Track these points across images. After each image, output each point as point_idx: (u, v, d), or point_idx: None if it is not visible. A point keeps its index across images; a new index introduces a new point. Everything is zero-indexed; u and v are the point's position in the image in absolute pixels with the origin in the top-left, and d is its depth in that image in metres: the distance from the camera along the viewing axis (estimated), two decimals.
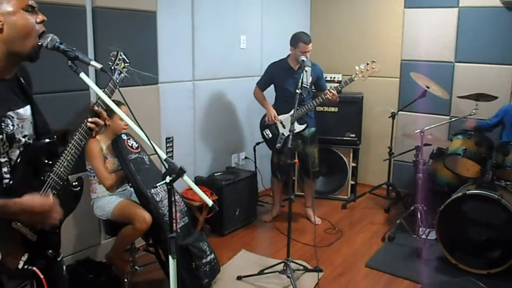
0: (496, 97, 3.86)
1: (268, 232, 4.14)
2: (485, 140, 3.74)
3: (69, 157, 1.61)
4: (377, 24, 5.09)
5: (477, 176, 3.67)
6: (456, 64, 4.64)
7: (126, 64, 1.87)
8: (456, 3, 4.53)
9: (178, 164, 1.58)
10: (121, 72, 1.84)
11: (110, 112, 2.81)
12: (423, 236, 3.64)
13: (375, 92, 5.08)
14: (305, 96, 3.82)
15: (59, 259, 1.71)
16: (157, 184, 1.71)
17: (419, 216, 3.74)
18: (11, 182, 1.48)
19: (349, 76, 3.83)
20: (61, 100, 2.91)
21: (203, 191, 1.70)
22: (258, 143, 4.56)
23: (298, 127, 3.91)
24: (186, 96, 4.01)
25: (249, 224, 4.24)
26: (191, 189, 1.63)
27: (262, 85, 4.13)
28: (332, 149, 4.84)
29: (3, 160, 1.47)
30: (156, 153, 1.58)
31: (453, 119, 4.30)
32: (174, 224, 1.72)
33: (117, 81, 1.79)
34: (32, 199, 1.44)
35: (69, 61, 1.61)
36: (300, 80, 3.40)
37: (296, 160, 3.39)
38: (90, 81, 1.63)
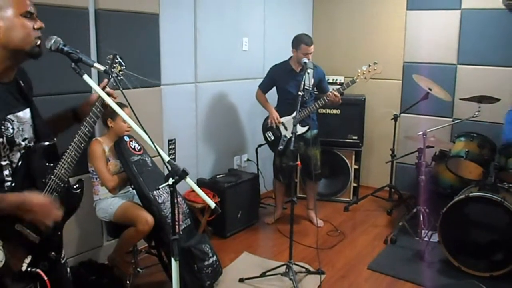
0: (498, 99, 3.85)
1: (270, 234, 4.13)
2: (488, 142, 3.74)
3: (69, 159, 1.62)
4: (379, 26, 5.09)
5: (480, 178, 3.66)
6: (458, 66, 4.64)
7: (122, 68, 1.87)
8: (459, 5, 4.53)
9: (181, 166, 1.58)
10: (117, 75, 1.84)
11: (113, 114, 2.85)
12: (426, 239, 3.62)
13: (378, 94, 5.08)
14: (307, 98, 3.81)
15: (63, 261, 1.71)
16: (160, 186, 1.71)
17: (421, 219, 3.73)
18: (13, 184, 1.48)
19: (351, 78, 3.83)
20: (64, 102, 2.85)
21: (205, 193, 1.70)
22: (260, 145, 4.56)
23: (300, 129, 3.91)
24: (188, 98, 4.01)
25: (251, 226, 4.24)
26: (193, 191, 1.64)
27: (264, 87, 4.13)
28: (334, 151, 4.83)
29: (4, 163, 1.48)
30: (159, 155, 1.58)
31: (455, 121, 4.30)
32: (177, 226, 1.72)
33: (114, 84, 1.79)
34: (31, 194, 1.47)
35: (73, 63, 1.62)
36: (302, 82, 3.41)
37: (298, 162, 3.39)
38: (93, 83, 1.64)
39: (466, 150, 3.66)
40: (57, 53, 1.61)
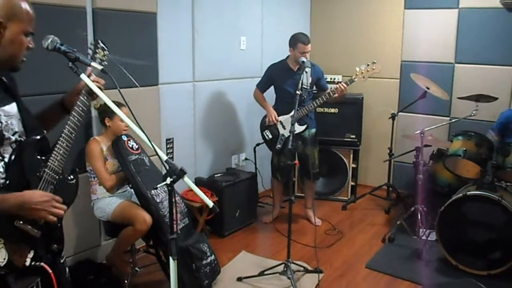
0: (496, 98, 3.85)
1: (268, 233, 4.14)
2: (485, 141, 3.74)
3: (61, 151, 1.62)
4: (377, 25, 5.09)
5: (478, 177, 3.67)
6: (456, 65, 4.64)
7: (105, 53, 1.82)
8: (456, 4, 4.54)
9: (179, 165, 1.58)
10: (101, 61, 1.79)
11: (111, 113, 2.85)
12: (424, 237, 3.63)
13: (375, 93, 5.09)
14: (305, 97, 3.82)
15: (62, 260, 1.71)
16: (158, 185, 1.71)
17: (419, 217, 3.74)
18: (7, 182, 1.49)
19: (349, 77, 3.83)
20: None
21: (203, 192, 1.70)
22: (258, 144, 4.56)
23: (299, 128, 3.91)
24: (186, 97, 4.01)
25: (249, 225, 4.24)
26: (191, 190, 1.64)
27: (262, 86, 4.13)
28: (332, 150, 4.84)
29: None
30: (157, 154, 1.58)
31: (453, 120, 4.30)
32: (175, 225, 1.72)
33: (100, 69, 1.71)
34: (32, 192, 1.47)
35: (70, 62, 1.61)
36: (300, 81, 3.41)
37: (296, 161, 3.38)
38: (90, 82, 1.64)
39: (464, 149, 3.66)
40: (53, 52, 1.61)
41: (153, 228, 2.77)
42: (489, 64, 4.44)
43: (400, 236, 3.85)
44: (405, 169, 4.88)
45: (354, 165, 4.91)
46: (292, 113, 3.31)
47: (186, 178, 1.59)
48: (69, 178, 1.73)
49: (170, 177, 1.59)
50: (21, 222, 1.48)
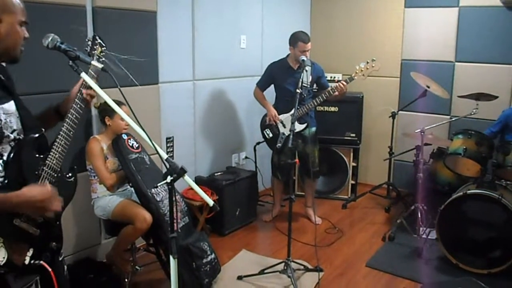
0: (496, 97, 3.85)
1: (268, 232, 4.14)
2: (485, 139, 3.74)
3: (60, 149, 1.62)
4: (377, 23, 5.08)
5: (478, 175, 3.67)
6: (456, 63, 4.64)
7: (103, 49, 1.82)
8: (457, 2, 4.53)
9: (179, 164, 1.58)
10: (99, 58, 1.79)
11: (111, 112, 2.85)
12: (424, 236, 3.64)
13: (376, 92, 5.08)
14: (305, 95, 3.81)
15: (60, 258, 1.71)
16: (158, 184, 1.71)
17: (419, 216, 3.74)
18: (6, 180, 1.49)
19: (349, 75, 3.83)
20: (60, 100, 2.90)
21: (203, 191, 1.70)
22: (258, 143, 4.56)
23: (299, 127, 3.91)
24: (186, 96, 4.01)
25: (250, 224, 4.24)
26: (191, 189, 1.64)
27: (262, 85, 4.13)
28: (332, 148, 4.84)
29: None
30: (157, 152, 1.58)
31: (453, 119, 4.30)
32: (175, 224, 1.72)
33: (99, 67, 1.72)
34: (31, 189, 1.47)
35: (70, 61, 1.62)
36: (300, 80, 3.40)
37: (297, 160, 3.39)
38: (90, 81, 1.64)
39: (464, 147, 3.66)
40: (53, 50, 1.61)
41: (153, 227, 2.77)
42: (489, 63, 4.43)
43: (400, 235, 3.85)
44: (405, 167, 4.88)
45: (354, 164, 4.91)
46: (292, 111, 3.30)
47: (186, 177, 1.59)
48: (68, 176, 1.73)
49: (171, 176, 1.59)
50: (19, 220, 1.49)
